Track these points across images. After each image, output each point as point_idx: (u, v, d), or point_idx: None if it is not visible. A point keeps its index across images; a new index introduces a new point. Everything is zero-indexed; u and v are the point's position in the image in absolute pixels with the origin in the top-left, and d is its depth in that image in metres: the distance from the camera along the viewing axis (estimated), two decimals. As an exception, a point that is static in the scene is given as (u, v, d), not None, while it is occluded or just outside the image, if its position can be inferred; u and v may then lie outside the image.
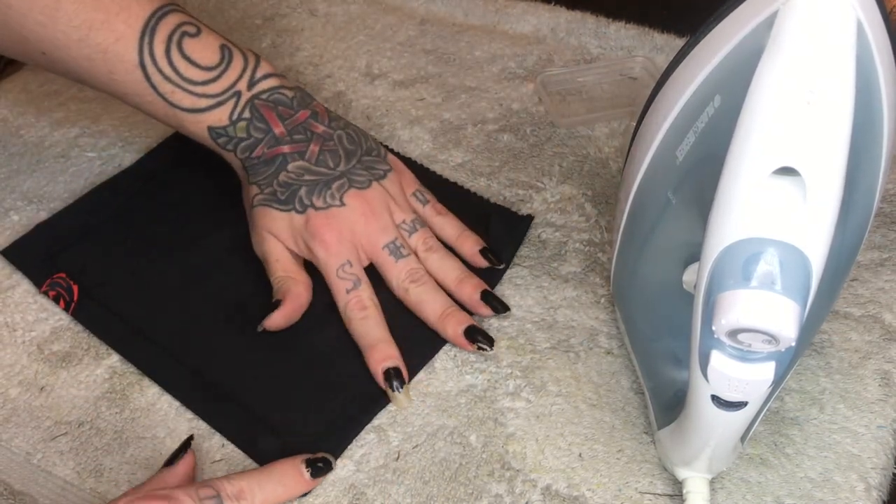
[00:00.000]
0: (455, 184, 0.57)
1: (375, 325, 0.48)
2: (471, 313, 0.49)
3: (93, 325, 0.49)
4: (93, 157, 0.60)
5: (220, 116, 0.49)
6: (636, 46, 0.67)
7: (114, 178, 0.58)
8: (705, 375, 0.33)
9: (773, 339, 0.30)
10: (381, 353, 0.46)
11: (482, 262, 0.51)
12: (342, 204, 0.49)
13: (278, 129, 0.49)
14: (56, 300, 0.50)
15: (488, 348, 0.47)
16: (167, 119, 0.49)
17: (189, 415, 0.45)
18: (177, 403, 0.46)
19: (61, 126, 0.62)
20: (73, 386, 0.47)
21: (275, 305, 0.48)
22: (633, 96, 0.63)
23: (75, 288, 0.50)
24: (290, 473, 0.41)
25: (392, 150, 0.59)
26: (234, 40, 0.50)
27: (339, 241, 0.49)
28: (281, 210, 0.49)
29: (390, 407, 0.45)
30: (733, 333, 0.30)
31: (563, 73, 0.64)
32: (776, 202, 0.29)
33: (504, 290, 0.51)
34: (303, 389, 0.46)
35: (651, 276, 0.42)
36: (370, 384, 0.46)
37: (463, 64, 0.67)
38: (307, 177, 0.49)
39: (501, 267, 0.51)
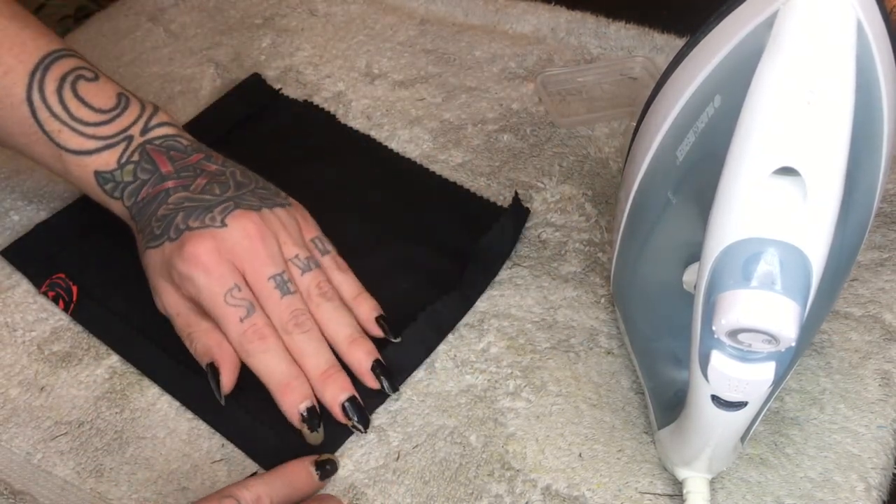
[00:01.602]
0: (455, 184, 0.57)
1: (279, 359, 0.43)
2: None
3: (93, 325, 0.49)
4: (93, 157, 0.60)
5: (108, 160, 0.46)
6: (636, 46, 0.67)
7: (114, 178, 0.58)
8: (705, 375, 0.33)
9: (773, 339, 0.30)
10: (297, 393, 0.43)
11: (376, 331, 0.47)
12: (223, 225, 0.43)
13: (165, 168, 0.46)
14: (55, 301, 0.50)
15: (362, 430, 0.43)
16: (52, 163, 0.47)
17: (189, 415, 0.46)
18: (177, 403, 0.46)
19: (61, 126, 0.62)
20: (73, 386, 0.47)
21: (214, 372, 0.44)
22: (633, 96, 0.63)
23: (74, 289, 0.50)
24: (299, 475, 0.40)
25: (392, 151, 0.59)
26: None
27: (217, 263, 0.43)
28: (155, 247, 0.44)
29: (390, 406, 0.45)
30: (733, 333, 0.30)
31: (563, 73, 0.64)
32: (776, 202, 0.29)
33: (504, 290, 0.51)
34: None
35: (651, 276, 0.42)
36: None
37: (463, 64, 0.67)
38: (186, 204, 0.44)
39: (397, 341, 0.46)
